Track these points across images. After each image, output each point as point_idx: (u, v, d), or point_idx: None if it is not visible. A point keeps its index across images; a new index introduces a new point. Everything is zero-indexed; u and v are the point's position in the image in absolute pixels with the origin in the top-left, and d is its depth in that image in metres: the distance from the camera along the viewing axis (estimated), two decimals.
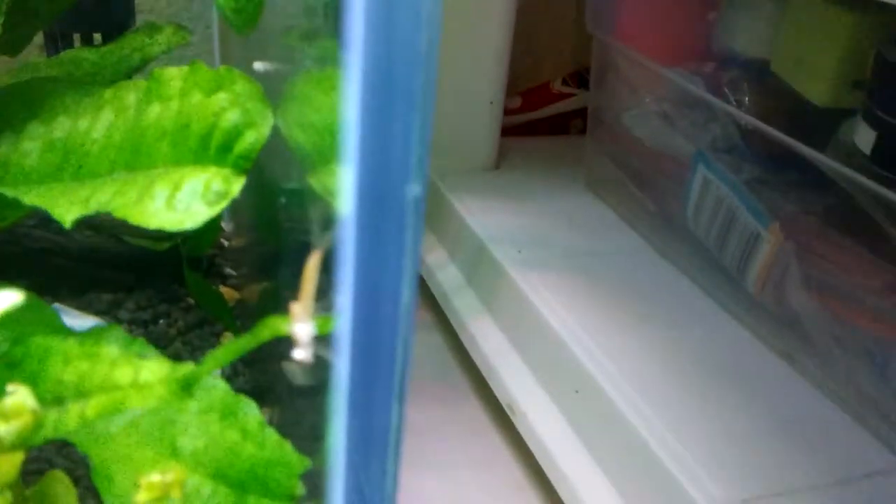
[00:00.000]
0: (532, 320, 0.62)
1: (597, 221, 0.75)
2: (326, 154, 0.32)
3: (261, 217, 0.56)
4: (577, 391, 0.57)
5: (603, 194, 0.79)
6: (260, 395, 0.38)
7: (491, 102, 0.81)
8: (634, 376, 0.54)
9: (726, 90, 0.60)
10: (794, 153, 0.54)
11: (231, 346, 0.25)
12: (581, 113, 0.89)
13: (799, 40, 0.55)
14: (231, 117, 0.33)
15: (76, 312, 0.54)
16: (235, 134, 0.33)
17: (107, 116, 0.38)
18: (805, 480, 0.48)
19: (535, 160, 0.87)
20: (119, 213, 0.34)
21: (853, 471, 0.49)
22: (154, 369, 0.26)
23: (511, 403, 0.60)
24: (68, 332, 0.36)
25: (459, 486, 0.58)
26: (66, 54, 0.47)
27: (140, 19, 0.60)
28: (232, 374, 0.54)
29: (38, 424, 0.24)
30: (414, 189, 0.20)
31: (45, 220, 0.56)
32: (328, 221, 0.26)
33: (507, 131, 0.85)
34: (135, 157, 0.36)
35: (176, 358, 0.33)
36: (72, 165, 0.38)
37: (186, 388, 0.25)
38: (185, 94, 0.35)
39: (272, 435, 0.31)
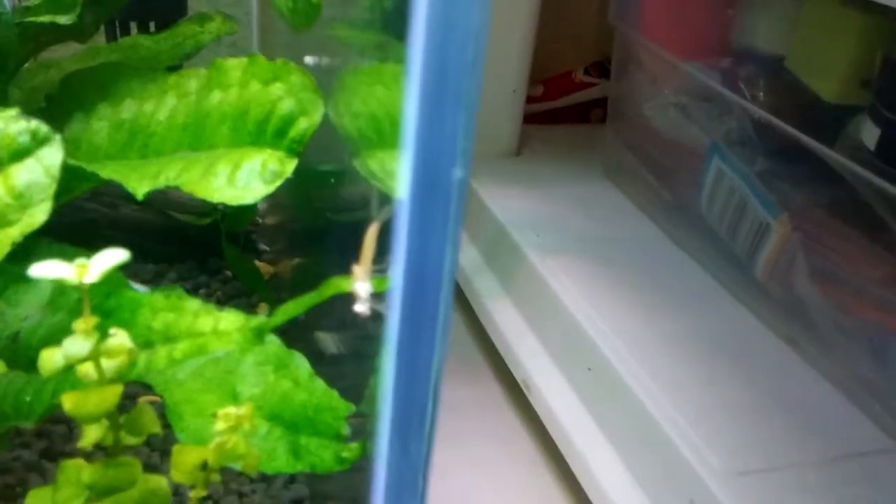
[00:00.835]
0: (548, 302, 0.67)
1: (613, 208, 0.80)
2: (372, 141, 0.38)
3: (296, 197, 0.62)
4: (589, 369, 0.62)
5: (620, 182, 0.84)
6: None
7: (514, 91, 0.86)
8: (644, 356, 0.59)
9: (742, 85, 0.65)
10: (805, 147, 0.58)
11: (298, 302, 0.31)
12: (602, 102, 0.93)
13: (812, 38, 0.60)
14: (286, 105, 0.39)
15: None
16: (290, 120, 0.39)
17: (170, 100, 0.44)
18: (801, 457, 0.53)
19: (555, 148, 0.91)
20: (185, 188, 0.39)
21: (848, 449, 0.54)
22: (231, 319, 0.32)
23: (526, 380, 0.66)
24: (135, 290, 0.42)
25: (476, 458, 0.63)
26: (124, 41, 0.53)
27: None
28: None
29: (133, 363, 0.30)
30: (458, 173, 0.25)
31: (95, 193, 0.62)
32: (383, 199, 0.31)
33: (528, 119, 0.90)
34: (197, 138, 0.42)
35: None
36: (138, 144, 0.44)
37: (259, 335, 0.31)
38: (244, 83, 0.41)
39: (321, 384, 0.37)
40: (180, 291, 0.37)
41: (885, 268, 0.57)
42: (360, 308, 0.28)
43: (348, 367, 0.53)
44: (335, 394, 0.37)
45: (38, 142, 0.33)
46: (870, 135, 0.54)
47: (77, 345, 0.29)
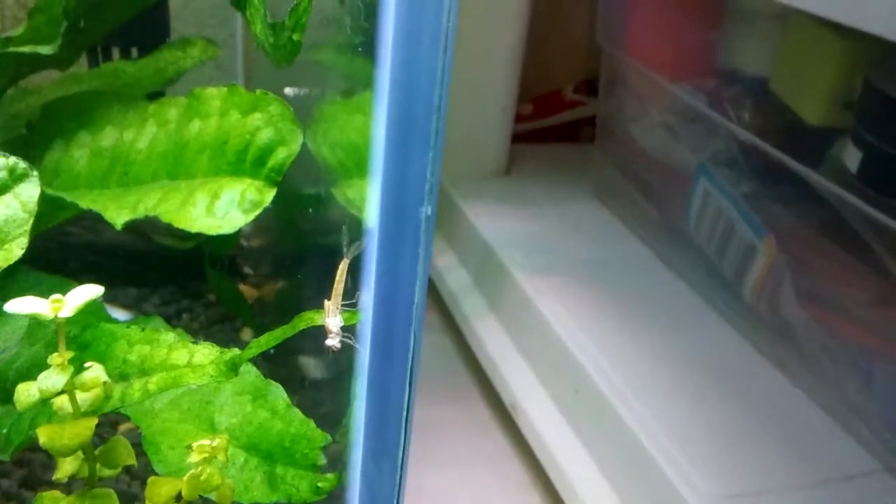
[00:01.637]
0: (536, 323, 0.68)
1: (602, 229, 0.81)
2: (350, 171, 0.39)
3: (280, 222, 0.63)
4: (576, 391, 0.63)
5: (609, 202, 0.85)
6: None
7: (502, 109, 0.87)
8: (632, 378, 0.60)
9: (727, 106, 0.66)
10: (790, 169, 0.60)
11: (272, 335, 0.32)
12: (592, 121, 0.94)
13: (795, 62, 0.61)
14: (265, 135, 0.40)
15: (105, 305, 0.61)
16: (269, 150, 0.40)
17: (150, 129, 0.45)
18: (789, 480, 0.54)
19: (545, 167, 0.93)
20: (164, 218, 0.40)
21: (835, 472, 0.55)
22: (205, 352, 0.33)
23: (514, 402, 0.67)
24: (113, 320, 0.43)
25: (463, 480, 0.64)
26: (106, 66, 0.54)
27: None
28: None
29: (107, 395, 0.31)
30: (426, 210, 0.26)
31: (77, 217, 0.63)
32: (354, 234, 0.32)
33: (518, 138, 0.91)
34: (177, 166, 0.43)
35: None
36: (118, 172, 0.45)
37: (233, 368, 0.32)
38: (224, 112, 0.42)
39: (297, 414, 0.38)
40: (157, 323, 0.38)
41: (872, 290, 0.58)
42: (331, 342, 0.29)
43: (332, 393, 0.54)
44: (312, 423, 0.38)
45: (15, 178, 0.34)
46: (852, 158, 0.56)
47: (52, 379, 0.30)
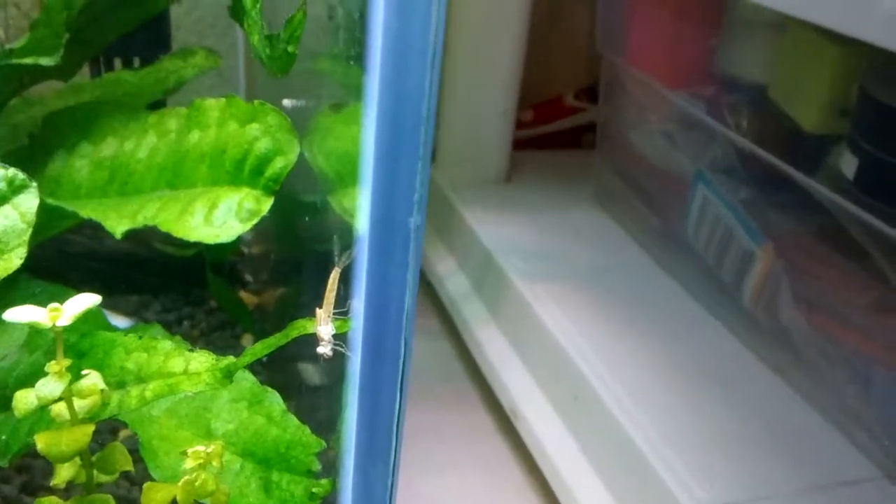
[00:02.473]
0: (535, 329, 0.68)
1: (602, 235, 0.82)
2: (345, 180, 0.40)
3: (281, 229, 0.63)
4: (575, 398, 0.63)
5: (610, 208, 0.85)
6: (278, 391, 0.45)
7: (503, 116, 0.87)
8: (631, 385, 0.61)
9: (726, 113, 0.67)
10: (788, 176, 0.60)
11: (266, 342, 0.32)
12: (593, 127, 0.95)
13: (793, 69, 0.62)
14: (263, 145, 0.41)
15: (107, 312, 0.62)
16: (266, 160, 0.41)
17: (150, 139, 0.46)
18: (788, 486, 0.54)
19: (546, 173, 0.93)
20: (163, 227, 0.41)
21: (834, 478, 0.55)
22: (201, 360, 0.33)
23: (513, 408, 0.67)
24: (113, 328, 0.44)
25: (462, 486, 0.64)
26: (108, 76, 0.55)
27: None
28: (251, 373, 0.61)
29: (105, 403, 0.32)
30: (416, 220, 0.27)
31: (78, 224, 0.64)
32: (346, 243, 0.33)
33: (519, 144, 0.92)
34: (176, 176, 0.44)
35: None
36: (118, 182, 0.46)
37: (228, 375, 0.32)
38: (223, 123, 0.42)
39: (293, 420, 0.38)
40: (156, 331, 0.39)
41: (870, 295, 0.58)
42: (322, 350, 0.29)
43: (328, 398, 0.54)
44: (307, 429, 0.38)
45: (14, 189, 0.35)
46: (849, 165, 0.56)
47: (50, 386, 0.31)
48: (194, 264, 0.66)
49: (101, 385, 0.32)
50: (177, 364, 0.34)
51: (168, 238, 0.42)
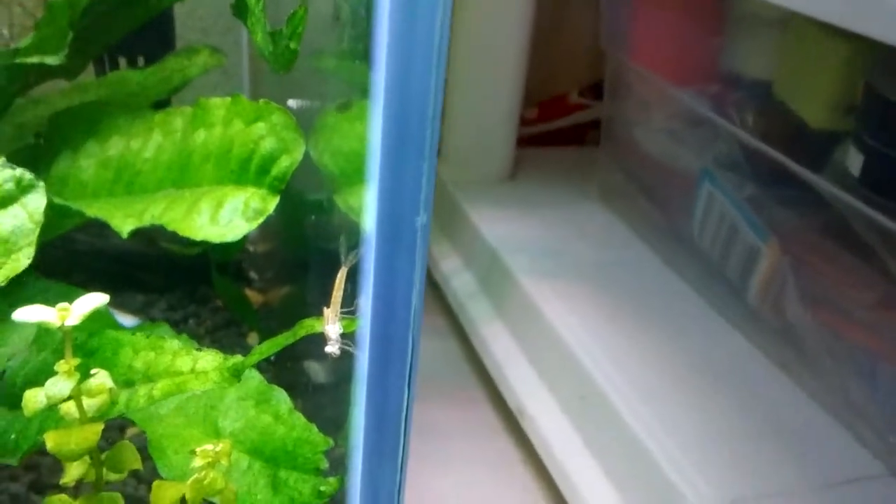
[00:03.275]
0: (541, 327, 0.68)
1: (608, 232, 0.82)
2: (351, 178, 0.40)
3: (286, 228, 0.64)
4: (582, 397, 0.63)
5: (615, 205, 0.85)
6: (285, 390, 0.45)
7: (508, 113, 0.87)
8: (637, 382, 0.61)
9: (731, 110, 0.67)
10: (793, 172, 0.60)
11: (273, 341, 0.32)
12: (597, 125, 0.95)
13: (798, 66, 0.62)
14: (268, 144, 0.41)
15: (114, 311, 0.62)
16: (272, 159, 0.41)
17: (156, 138, 0.46)
18: (793, 483, 0.54)
19: (550, 171, 0.93)
20: (169, 226, 0.41)
21: (839, 475, 0.55)
22: (209, 359, 0.34)
23: (519, 406, 0.67)
24: (120, 326, 0.44)
25: (468, 484, 0.65)
26: (112, 75, 0.55)
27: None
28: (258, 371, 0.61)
29: (113, 401, 0.32)
30: (421, 219, 0.27)
31: (85, 223, 0.64)
32: (352, 242, 0.33)
33: (523, 141, 0.92)
34: (182, 175, 0.44)
35: None
36: (124, 181, 0.46)
37: (236, 374, 0.33)
38: (228, 122, 0.43)
39: (300, 419, 0.38)
40: (163, 330, 0.39)
41: (875, 292, 0.58)
42: (330, 349, 0.29)
43: (336, 397, 0.54)
44: (314, 428, 0.38)
45: (22, 189, 0.35)
46: (854, 161, 0.56)
47: (59, 385, 0.31)
48: (200, 263, 0.66)
49: (110, 384, 0.32)
50: (184, 363, 0.34)
51: (174, 237, 0.43)
